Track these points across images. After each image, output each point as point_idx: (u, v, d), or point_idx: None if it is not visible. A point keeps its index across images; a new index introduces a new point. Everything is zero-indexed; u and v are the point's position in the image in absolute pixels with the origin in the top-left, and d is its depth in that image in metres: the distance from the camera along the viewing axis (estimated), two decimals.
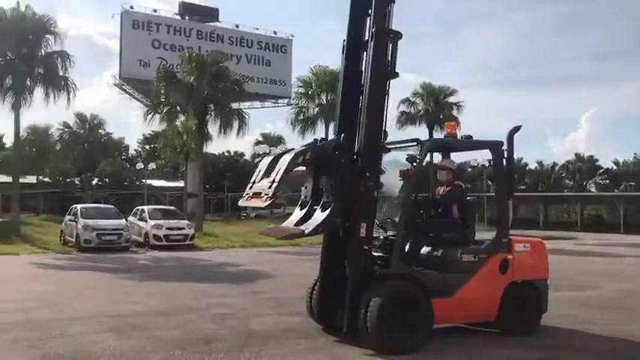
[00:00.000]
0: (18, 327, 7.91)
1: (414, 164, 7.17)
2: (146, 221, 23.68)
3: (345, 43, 7.51)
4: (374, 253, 7.13)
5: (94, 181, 52.06)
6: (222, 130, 32.55)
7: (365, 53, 7.37)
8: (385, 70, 7.18)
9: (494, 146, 7.77)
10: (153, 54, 52.55)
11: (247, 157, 67.90)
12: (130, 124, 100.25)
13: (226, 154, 65.68)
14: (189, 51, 36.36)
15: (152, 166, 48.61)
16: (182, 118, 33.77)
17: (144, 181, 46.86)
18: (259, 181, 6.94)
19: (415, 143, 7.58)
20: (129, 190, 50.56)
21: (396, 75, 7.25)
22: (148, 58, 52.23)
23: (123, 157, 65.85)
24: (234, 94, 33.45)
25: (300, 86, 38.42)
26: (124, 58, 53.59)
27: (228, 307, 9.42)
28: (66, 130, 48.58)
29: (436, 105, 41.72)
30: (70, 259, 19.09)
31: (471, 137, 7.83)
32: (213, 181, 56.96)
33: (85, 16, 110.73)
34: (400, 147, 7.85)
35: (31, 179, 49.08)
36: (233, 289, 12.00)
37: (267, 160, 7.23)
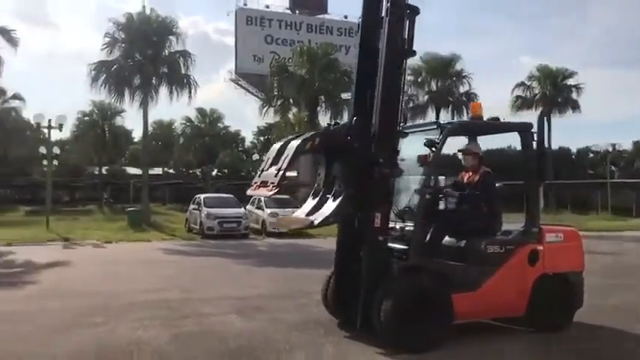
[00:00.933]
0: (152, 306, 8.63)
1: (433, 149, 6.67)
2: (263, 209, 24.62)
3: (360, 19, 7.04)
4: (391, 245, 6.67)
5: (214, 172, 54.65)
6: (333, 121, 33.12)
7: (381, 30, 6.83)
8: (401, 48, 6.71)
9: (522, 129, 7.33)
10: (266, 49, 54.26)
11: None
12: (246, 117, 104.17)
13: None
14: (300, 45, 37.20)
15: None
16: (294, 110, 34.66)
17: None
18: (267, 169, 6.52)
19: (435, 126, 7.20)
20: (246, 180, 52.46)
21: (413, 53, 6.81)
22: (262, 53, 54.03)
23: (240, 148, 68.40)
24: (344, 85, 33.70)
25: (410, 74, 37.76)
26: (239, 54, 55.83)
27: None
28: (188, 124, 51.62)
29: (554, 88, 39.72)
30: (195, 245, 20.48)
31: (497, 119, 7.38)
32: None
33: (201, 14, 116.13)
34: (419, 130, 7.52)
35: (157, 171, 52.41)
36: None
37: (276, 146, 6.74)
